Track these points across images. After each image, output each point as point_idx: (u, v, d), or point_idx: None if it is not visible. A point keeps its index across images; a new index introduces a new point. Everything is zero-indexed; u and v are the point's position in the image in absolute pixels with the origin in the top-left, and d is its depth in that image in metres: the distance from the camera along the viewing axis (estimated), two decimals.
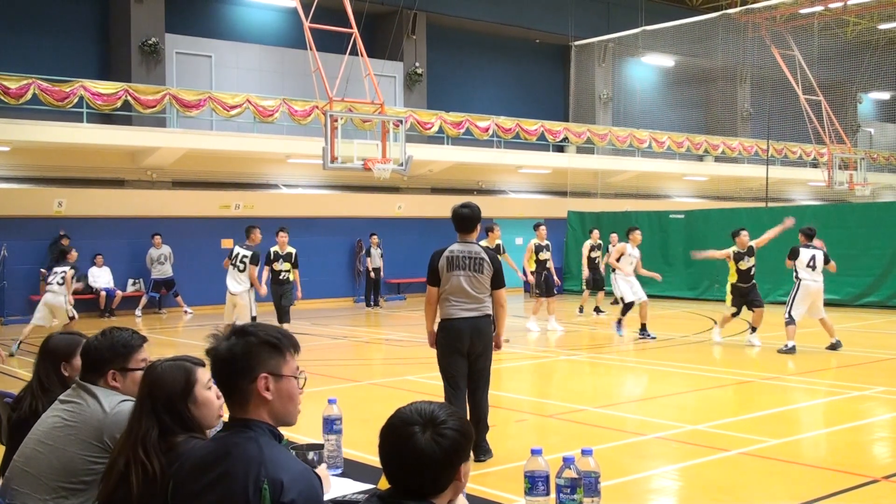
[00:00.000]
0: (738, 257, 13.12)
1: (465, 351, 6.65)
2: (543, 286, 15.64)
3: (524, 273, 16.35)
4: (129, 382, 3.19)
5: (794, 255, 12.67)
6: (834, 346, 12.39)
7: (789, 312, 12.42)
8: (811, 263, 12.57)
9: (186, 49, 21.86)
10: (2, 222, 17.87)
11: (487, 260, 6.67)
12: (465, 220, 6.79)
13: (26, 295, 18.31)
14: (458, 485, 2.24)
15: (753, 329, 13.19)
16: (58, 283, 12.85)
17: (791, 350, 12.16)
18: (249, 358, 2.46)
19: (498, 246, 14.22)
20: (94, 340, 3.30)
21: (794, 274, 12.60)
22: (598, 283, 18.45)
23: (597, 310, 18.31)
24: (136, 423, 2.77)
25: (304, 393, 2.58)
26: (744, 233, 13.30)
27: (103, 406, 3.08)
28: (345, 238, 22.37)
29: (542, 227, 15.58)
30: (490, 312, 6.74)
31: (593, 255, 18.42)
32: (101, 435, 3.01)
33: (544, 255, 15.59)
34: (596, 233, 18.92)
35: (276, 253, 13.40)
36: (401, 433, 2.19)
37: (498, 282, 6.75)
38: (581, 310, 18.54)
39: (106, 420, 3.04)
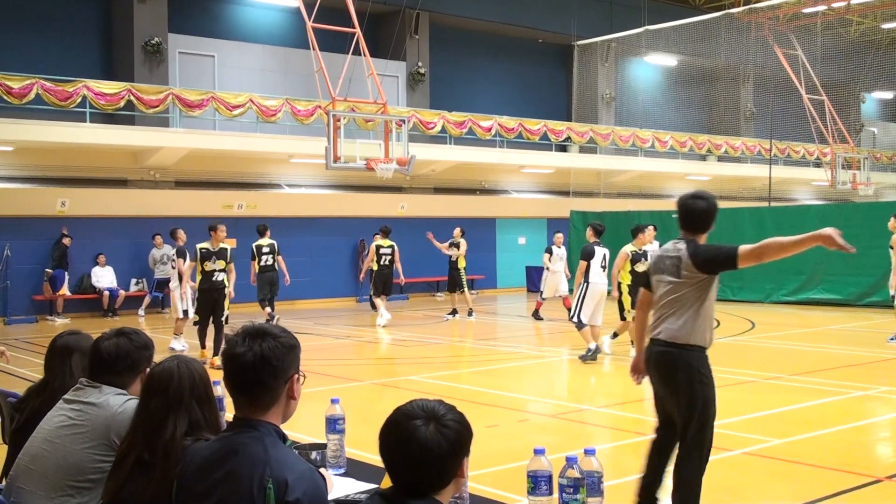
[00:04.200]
0: (635, 258, 11.79)
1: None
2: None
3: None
4: None
5: (590, 255, 11.68)
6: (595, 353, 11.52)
7: (578, 317, 11.57)
8: (603, 264, 11.80)
9: (189, 49, 21.88)
10: (5, 222, 17.90)
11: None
12: (701, 215, 4.91)
13: (29, 295, 18.35)
14: (459, 480, 2.25)
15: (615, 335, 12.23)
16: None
17: (594, 354, 11.48)
18: (285, 359, 2.50)
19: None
20: (126, 341, 3.29)
21: (585, 275, 11.65)
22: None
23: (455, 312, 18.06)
24: (165, 420, 2.79)
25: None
26: (648, 230, 11.94)
27: (111, 404, 3.10)
28: (347, 238, 22.39)
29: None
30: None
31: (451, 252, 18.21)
32: (109, 433, 3.03)
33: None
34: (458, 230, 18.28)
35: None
36: (404, 428, 2.20)
37: None
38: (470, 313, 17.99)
39: (114, 418, 3.05)
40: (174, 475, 2.58)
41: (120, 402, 3.11)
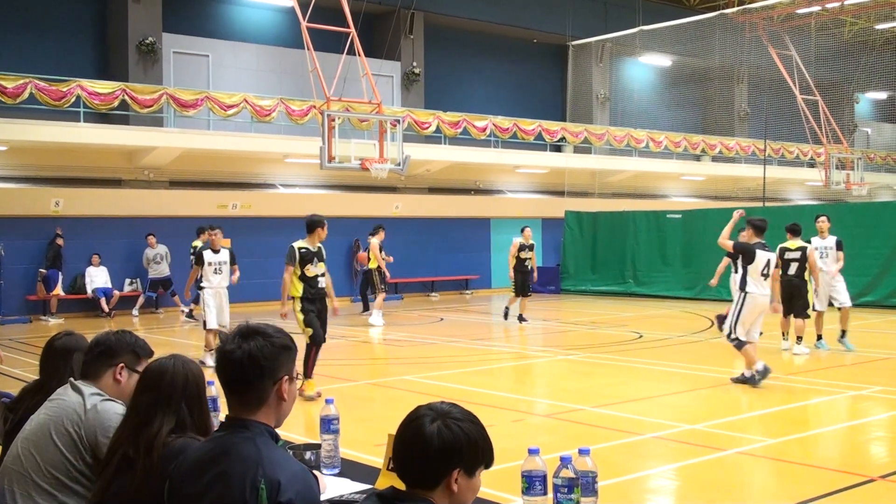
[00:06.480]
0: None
1: None
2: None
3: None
4: (132, 382, 3.18)
5: (749, 257, 9.80)
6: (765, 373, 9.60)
7: (735, 332, 9.78)
8: (765, 271, 9.83)
9: (184, 48, 21.85)
10: None
11: None
12: None
13: (23, 295, 18.30)
14: (452, 495, 2.25)
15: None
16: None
17: (764, 372, 9.53)
18: (275, 360, 2.49)
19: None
20: (111, 333, 3.33)
21: (741, 283, 9.91)
22: (527, 287, 16.50)
23: (520, 318, 16.49)
24: (153, 418, 2.79)
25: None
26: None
27: (85, 403, 3.07)
28: (342, 238, 22.36)
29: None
30: None
31: (523, 255, 16.38)
32: (81, 432, 3.01)
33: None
34: (528, 231, 16.63)
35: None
36: (416, 415, 2.29)
37: None
38: (506, 314, 16.87)
39: (85, 419, 3.03)
40: (159, 472, 2.58)
41: (95, 401, 3.08)
